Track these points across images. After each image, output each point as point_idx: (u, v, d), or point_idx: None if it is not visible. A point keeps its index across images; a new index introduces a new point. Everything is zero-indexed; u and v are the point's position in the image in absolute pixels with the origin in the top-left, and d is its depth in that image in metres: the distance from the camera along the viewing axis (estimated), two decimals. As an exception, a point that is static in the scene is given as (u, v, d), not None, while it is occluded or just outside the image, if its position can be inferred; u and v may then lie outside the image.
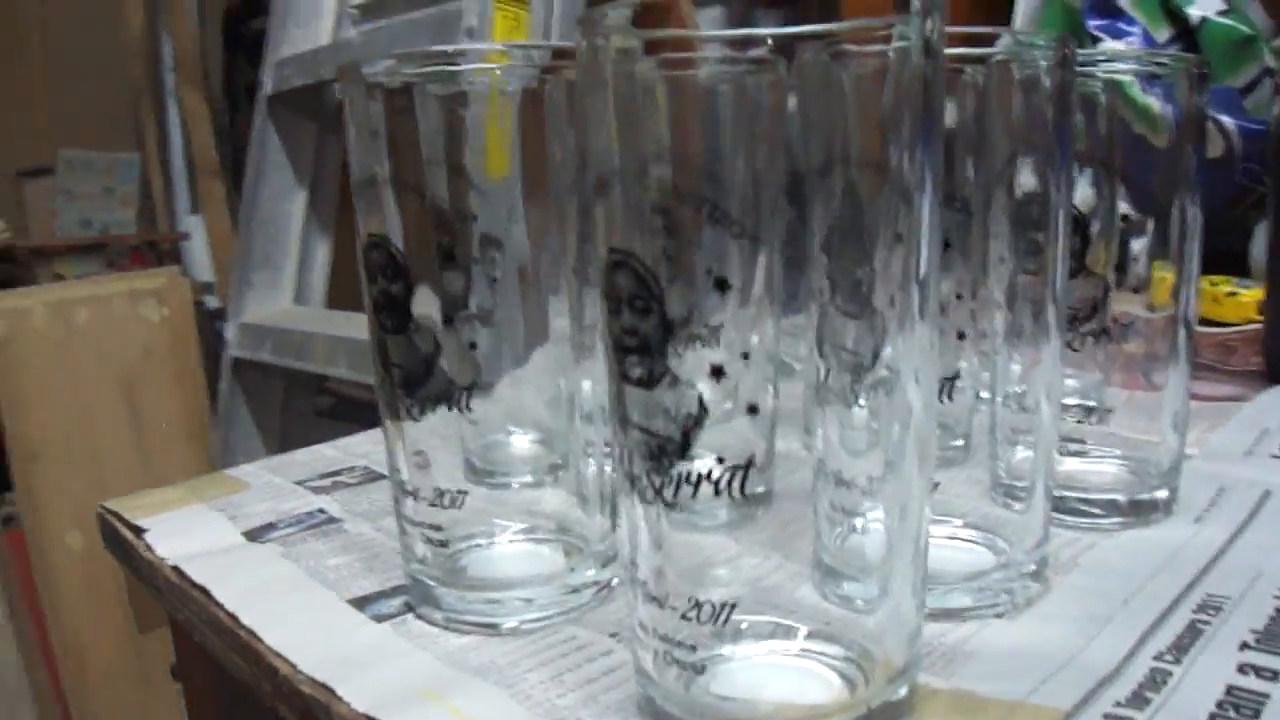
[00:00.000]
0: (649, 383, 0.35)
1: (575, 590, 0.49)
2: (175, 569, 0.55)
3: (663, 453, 0.35)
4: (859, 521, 0.38)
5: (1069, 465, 0.59)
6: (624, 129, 0.34)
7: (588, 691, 0.42)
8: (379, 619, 0.49)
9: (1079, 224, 0.54)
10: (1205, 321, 0.99)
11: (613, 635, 0.46)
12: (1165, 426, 0.57)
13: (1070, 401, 0.61)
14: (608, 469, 0.50)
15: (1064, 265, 0.49)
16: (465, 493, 0.48)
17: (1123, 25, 1.14)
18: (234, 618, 0.49)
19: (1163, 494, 0.57)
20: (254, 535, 0.59)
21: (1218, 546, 0.52)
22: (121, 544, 0.61)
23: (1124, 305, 0.57)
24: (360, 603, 0.51)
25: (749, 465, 0.35)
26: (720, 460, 0.35)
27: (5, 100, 3.58)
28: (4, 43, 3.60)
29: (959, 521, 0.51)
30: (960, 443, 0.51)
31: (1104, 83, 0.55)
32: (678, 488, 0.35)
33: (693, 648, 0.37)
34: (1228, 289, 1.00)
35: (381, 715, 0.40)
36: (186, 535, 0.59)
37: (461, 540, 0.50)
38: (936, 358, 0.38)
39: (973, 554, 0.50)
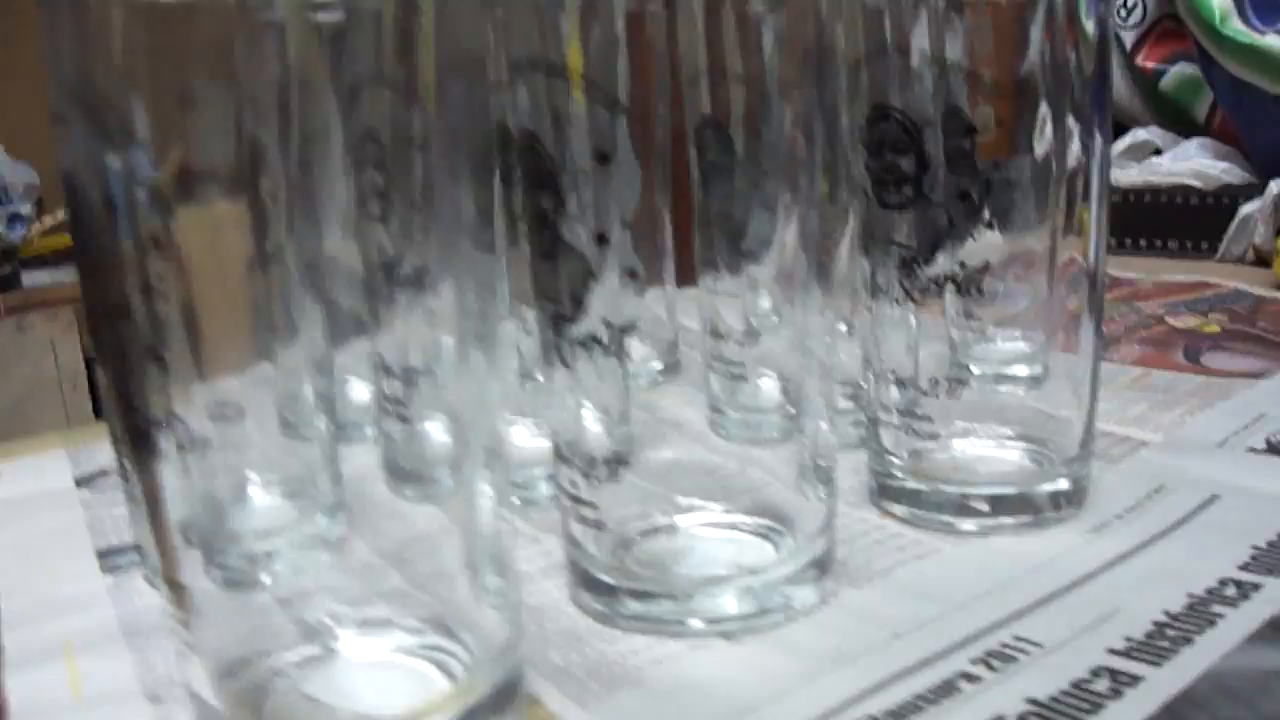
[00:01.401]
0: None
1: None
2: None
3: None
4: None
5: (960, 448, 0.45)
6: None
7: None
8: (112, 570, 0.46)
9: (908, 133, 0.39)
10: None
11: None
12: (1067, 404, 0.44)
13: (1009, 370, 0.47)
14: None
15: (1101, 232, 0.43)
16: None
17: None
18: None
19: (1061, 486, 0.43)
20: (82, 481, 0.58)
21: (1093, 567, 0.39)
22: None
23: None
24: (106, 553, 0.48)
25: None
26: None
27: None
28: None
29: (748, 503, 0.41)
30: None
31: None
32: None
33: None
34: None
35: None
36: (24, 478, 0.59)
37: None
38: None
39: (740, 547, 0.40)
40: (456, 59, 0.30)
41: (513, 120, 0.36)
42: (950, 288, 0.41)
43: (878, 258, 0.42)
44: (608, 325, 0.36)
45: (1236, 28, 0.94)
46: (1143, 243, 1.02)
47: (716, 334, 0.42)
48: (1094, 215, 0.42)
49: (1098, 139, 0.42)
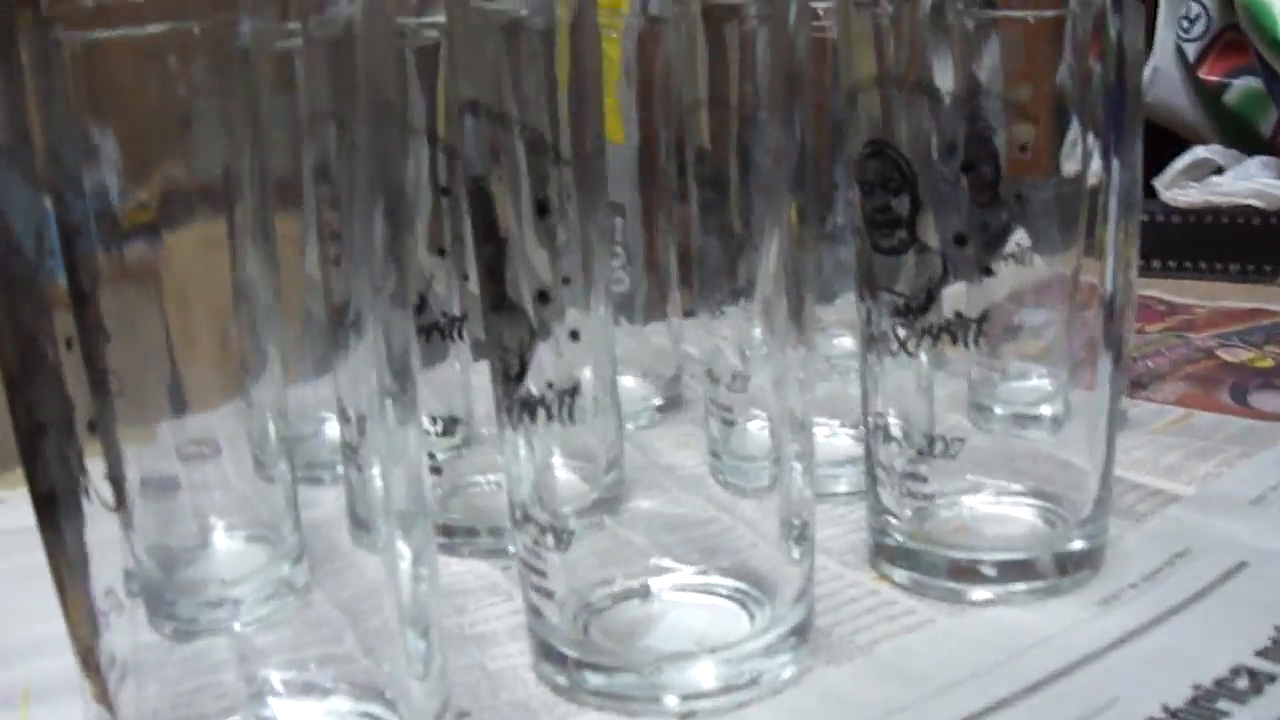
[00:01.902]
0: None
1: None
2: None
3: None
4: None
5: (967, 505, 0.42)
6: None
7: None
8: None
9: (902, 171, 0.36)
10: None
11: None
12: (1085, 453, 0.41)
13: (1031, 411, 0.44)
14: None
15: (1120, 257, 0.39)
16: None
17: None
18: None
19: (1075, 547, 0.40)
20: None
21: (1095, 647, 0.36)
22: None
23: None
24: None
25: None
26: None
27: None
28: None
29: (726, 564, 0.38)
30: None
31: None
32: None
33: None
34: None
35: None
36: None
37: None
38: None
39: (713, 615, 0.37)
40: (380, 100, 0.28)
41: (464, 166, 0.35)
42: (946, 339, 0.38)
43: (872, 305, 0.39)
44: (550, 387, 0.33)
45: (1300, 41, 0.90)
46: (1203, 265, 0.98)
47: (712, 376, 0.40)
48: (1111, 239, 0.39)
49: (1114, 159, 0.38)
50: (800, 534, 0.36)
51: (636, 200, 0.41)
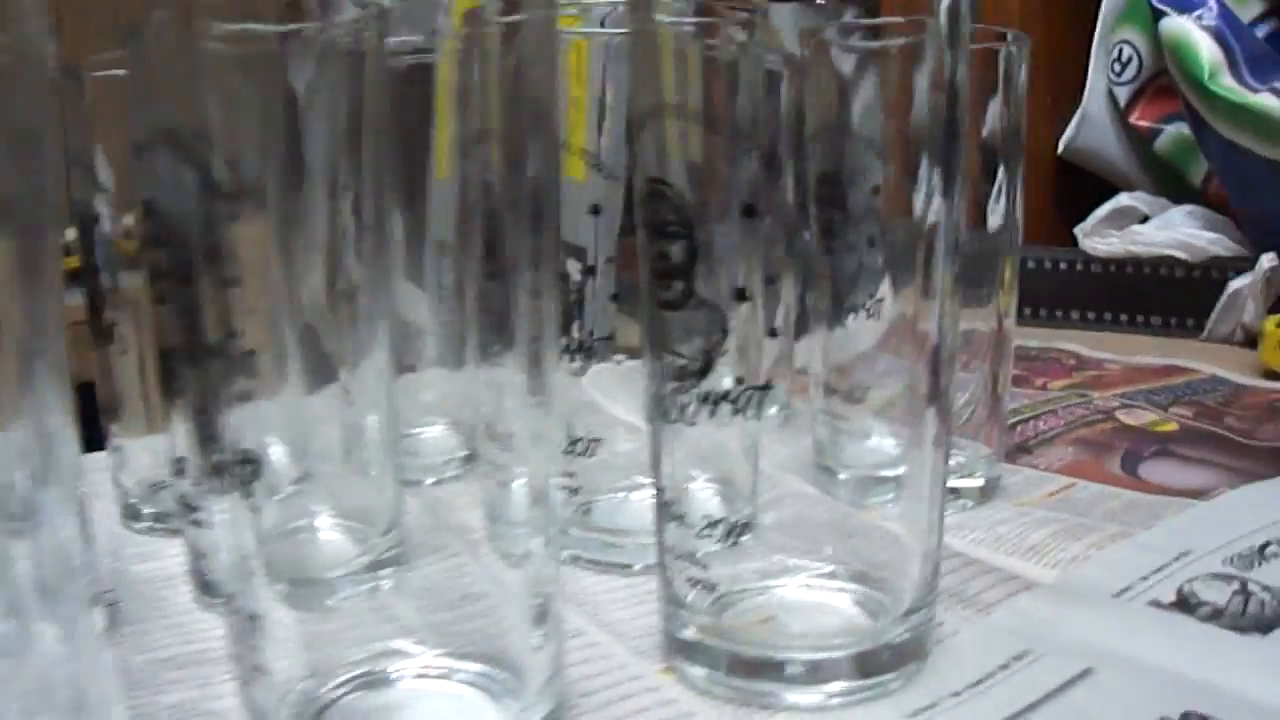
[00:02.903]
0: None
1: None
2: None
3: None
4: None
5: (777, 591, 0.36)
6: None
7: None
8: None
9: (679, 213, 0.31)
10: (1270, 374, 0.75)
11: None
12: (907, 533, 0.35)
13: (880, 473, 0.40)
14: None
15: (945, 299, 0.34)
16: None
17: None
18: None
19: (897, 642, 0.35)
20: None
21: None
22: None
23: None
24: None
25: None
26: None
27: None
28: None
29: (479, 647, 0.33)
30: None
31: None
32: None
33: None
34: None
35: None
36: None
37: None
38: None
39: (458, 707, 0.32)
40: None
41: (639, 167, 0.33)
42: (727, 408, 0.33)
43: (656, 365, 0.34)
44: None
45: (1227, 85, 0.85)
46: (1123, 317, 0.93)
47: (490, 432, 0.34)
48: (939, 283, 0.34)
49: (946, 199, 0.33)
50: (540, 614, 0.31)
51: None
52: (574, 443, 0.44)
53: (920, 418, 0.35)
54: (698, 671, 0.35)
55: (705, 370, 0.33)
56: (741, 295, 0.33)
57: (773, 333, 0.34)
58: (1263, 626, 0.38)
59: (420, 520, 0.36)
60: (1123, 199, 0.97)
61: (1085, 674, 0.35)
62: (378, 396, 0.35)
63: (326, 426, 0.35)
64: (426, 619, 0.34)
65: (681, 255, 0.32)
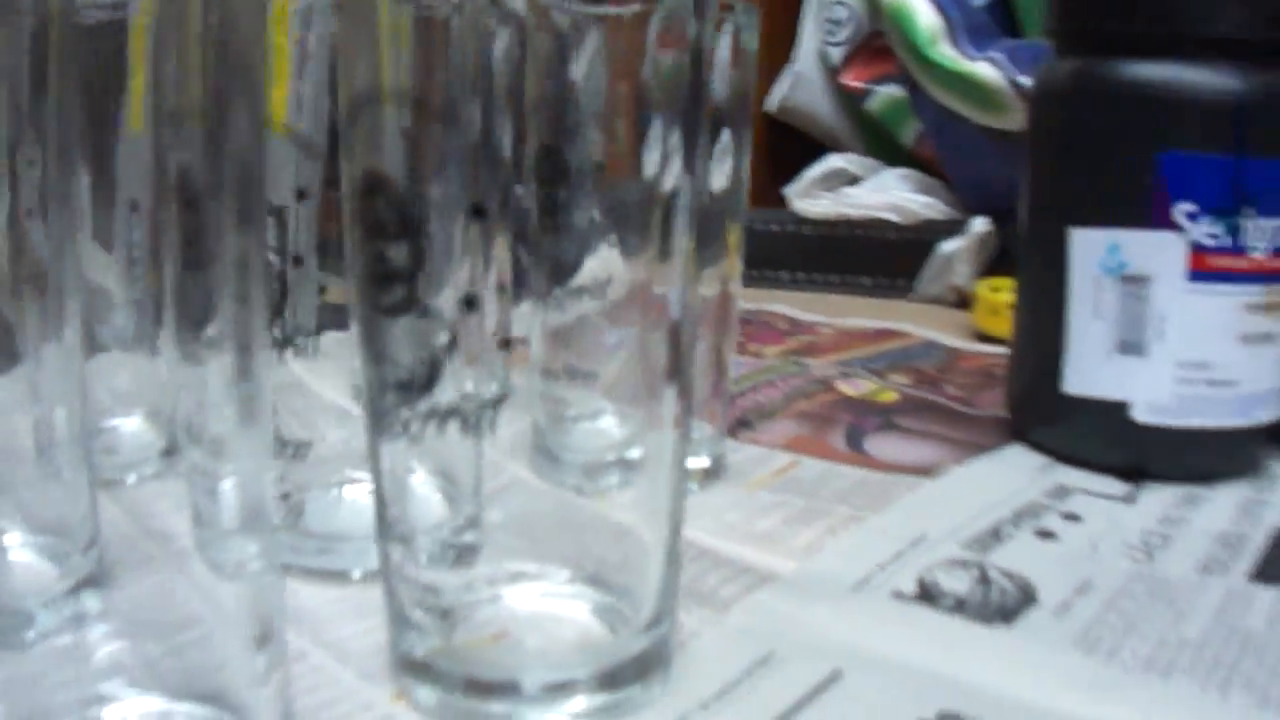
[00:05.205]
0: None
1: None
2: None
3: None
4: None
5: (509, 603, 0.33)
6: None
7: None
8: None
9: (401, 213, 0.28)
10: (984, 338, 0.76)
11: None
12: (643, 527, 0.33)
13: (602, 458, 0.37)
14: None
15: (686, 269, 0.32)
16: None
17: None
18: None
19: (640, 651, 0.32)
20: None
21: None
22: None
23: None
24: None
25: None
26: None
27: None
28: None
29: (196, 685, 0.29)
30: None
31: None
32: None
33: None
34: (1009, 297, 0.75)
35: None
36: None
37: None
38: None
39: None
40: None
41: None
42: (455, 423, 0.29)
43: (374, 377, 0.30)
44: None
45: (945, 53, 0.85)
46: (834, 278, 0.93)
47: (191, 433, 0.30)
48: (679, 250, 0.31)
49: (690, 164, 0.31)
50: (262, 639, 0.27)
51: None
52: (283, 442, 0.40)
53: (659, 397, 0.32)
54: (429, 694, 0.32)
55: (430, 383, 0.29)
56: (471, 303, 0.29)
57: (505, 344, 0.30)
58: (1006, 615, 0.37)
59: (122, 529, 0.31)
60: (834, 160, 0.98)
61: (834, 677, 0.33)
62: (66, 385, 0.30)
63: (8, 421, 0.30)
64: (138, 653, 0.29)
65: (403, 259, 0.28)
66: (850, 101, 1.05)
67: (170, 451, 0.36)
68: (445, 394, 0.30)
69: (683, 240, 0.31)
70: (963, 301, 0.86)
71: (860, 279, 0.92)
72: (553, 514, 0.37)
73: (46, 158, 0.26)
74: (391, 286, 0.29)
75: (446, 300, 0.29)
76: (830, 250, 0.92)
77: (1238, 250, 0.47)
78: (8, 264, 0.27)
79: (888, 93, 1.02)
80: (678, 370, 0.32)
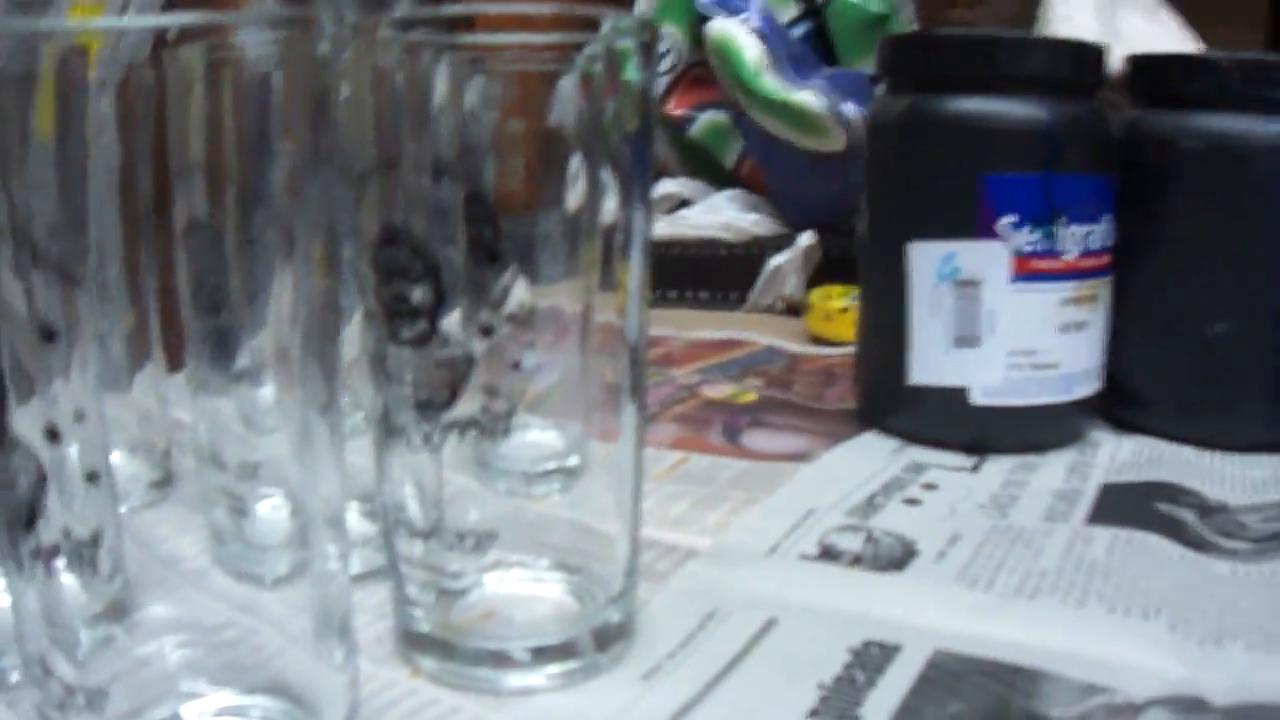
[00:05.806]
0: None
1: None
2: None
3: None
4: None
5: (492, 586, 0.40)
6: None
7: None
8: None
9: (422, 259, 0.34)
10: (817, 341, 0.84)
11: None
12: (609, 513, 0.39)
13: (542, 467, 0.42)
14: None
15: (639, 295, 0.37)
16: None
17: (738, 1, 0.96)
18: None
19: (609, 621, 0.39)
20: None
21: None
22: None
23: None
24: None
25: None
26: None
27: None
28: None
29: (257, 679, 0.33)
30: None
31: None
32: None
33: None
34: (841, 303, 0.83)
35: None
36: None
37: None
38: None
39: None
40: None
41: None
42: (474, 434, 0.36)
43: (392, 397, 0.36)
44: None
45: (769, 84, 0.94)
46: (673, 294, 1.01)
47: (216, 461, 0.35)
48: (634, 279, 0.38)
49: (638, 201, 0.37)
50: (341, 632, 0.32)
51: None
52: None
53: (620, 412, 0.38)
54: (437, 666, 0.37)
55: (450, 403, 0.35)
56: (487, 331, 0.35)
57: (515, 366, 0.36)
58: (897, 565, 0.45)
59: (133, 555, 0.35)
60: (666, 184, 1.06)
61: (771, 623, 0.40)
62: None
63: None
64: (205, 653, 0.33)
65: (424, 298, 0.34)
66: (673, 129, 1.12)
67: (163, 483, 0.41)
68: (463, 409, 0.35)
69: (636, 270, 0.37)
70: (792, 309, 0.94)
71: (699, 293, 1.00)
72: (517, 514, 0.43)
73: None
74: (415, 322, 0.34)
75: (463, 329, 0.35)
76: (670, 268, 1.00)
77: (1053, 254, 0.56)
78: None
79: (708, 118, 1.10)
80: (638, 388, 0.38)
